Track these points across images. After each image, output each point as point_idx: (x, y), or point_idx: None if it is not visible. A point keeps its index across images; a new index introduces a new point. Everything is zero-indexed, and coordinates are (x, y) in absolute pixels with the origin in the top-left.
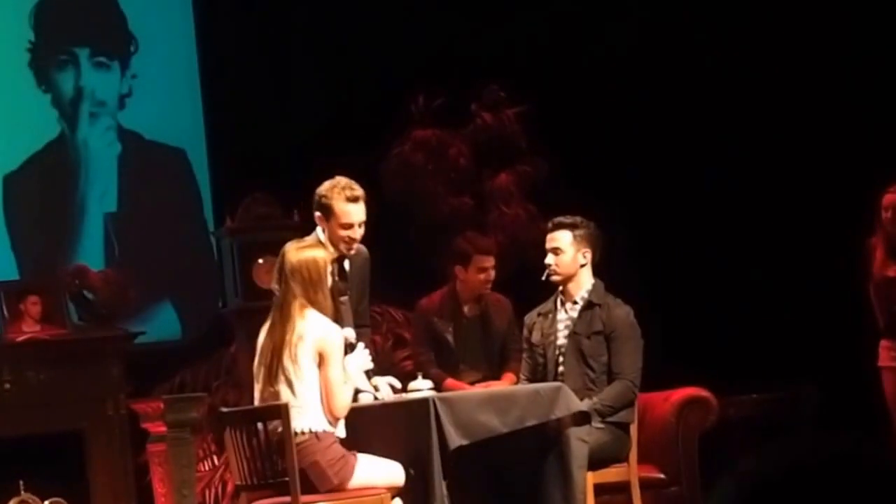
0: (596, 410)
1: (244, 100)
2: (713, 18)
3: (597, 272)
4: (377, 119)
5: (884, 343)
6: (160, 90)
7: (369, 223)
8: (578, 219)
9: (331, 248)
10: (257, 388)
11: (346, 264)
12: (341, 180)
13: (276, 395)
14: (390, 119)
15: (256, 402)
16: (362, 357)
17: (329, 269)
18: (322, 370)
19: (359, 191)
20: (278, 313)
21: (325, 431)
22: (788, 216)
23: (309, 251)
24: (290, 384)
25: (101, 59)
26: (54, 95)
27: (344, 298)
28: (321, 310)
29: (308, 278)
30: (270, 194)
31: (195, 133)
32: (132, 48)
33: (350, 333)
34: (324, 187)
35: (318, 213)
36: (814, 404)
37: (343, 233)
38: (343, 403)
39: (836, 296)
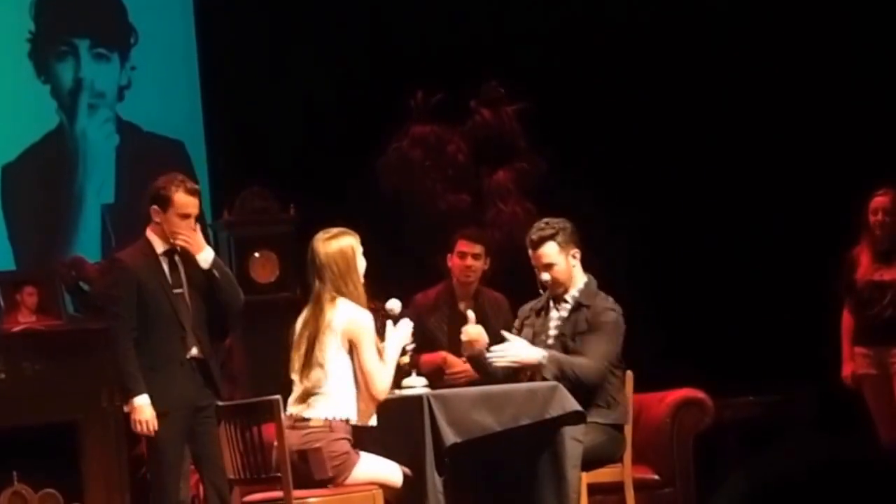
0: (560, 367)
1: (243, 93)
2: (712, 19)
3: (589, 269)
4: (376, 114)
5: (857, 350)
6: (159, 82)
7: (367, 217)
8: (555, 223)
9: (158, 244)
10: (295, 377)
11: (179, 262)
12: (178, 174)
13: (314, 383)
14: (389, 114)
15: (294, 394)
16: (405, 330)
17: (360, 251)
18: (355, 357)
19: (197, 185)
20: (312, 306)
21: (340, 421)
22: (786, 218)
23: (335, 242)
24: (323, 372)
25: (101, 50)
26: (53, 86)
27: (178, 291)
28: (353, 298)
29: (337, 272)
30: (267, 188)
31: (194, 125)
32: (132, 40)
33: (395, 305)
34: (160, 181)
35: (154, 206)
36: (810, 407)
37: (181, 222)
38: (382, 385)
39: (833, 298)
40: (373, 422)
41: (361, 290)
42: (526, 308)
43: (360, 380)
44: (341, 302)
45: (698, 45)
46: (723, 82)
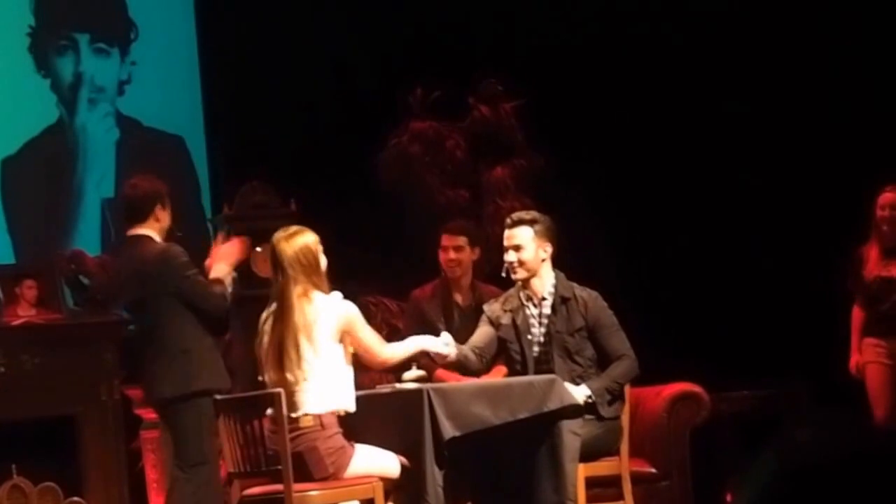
0: (607, 389)
1: (243, 88)
2: (713, 17)
3: (560, 265)
4: (375, 110)
5: (868, 341)
6: (159, 77)
7: (367, 212)
8: (537, 214)
9: (157, 235)
10: (268, 376)
11: None
12: None
13: (290, 381)
14: (388, 110)
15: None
16: (438, 344)
17: (321, 249)
18: (354, 341)
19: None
20: (281, 302)
21: (329, 415)
22: (782, 214)
23: (299, 238)
24: (303, 368)
25: (101, 45)
26: (53, 81)
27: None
28: (323, 291)
29: (308, 264)
30: (267, 182)
31: (194, 120)
32: (132, 35)
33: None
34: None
35: (157, 205)
36: (805, 401)
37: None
38: (387, 352)
39: (828, 293)
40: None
41: (326, 284)
42: (495, 307)
43: (365, 358)
44: (317, 296)
45: (699, 40)
46: (726, 77)
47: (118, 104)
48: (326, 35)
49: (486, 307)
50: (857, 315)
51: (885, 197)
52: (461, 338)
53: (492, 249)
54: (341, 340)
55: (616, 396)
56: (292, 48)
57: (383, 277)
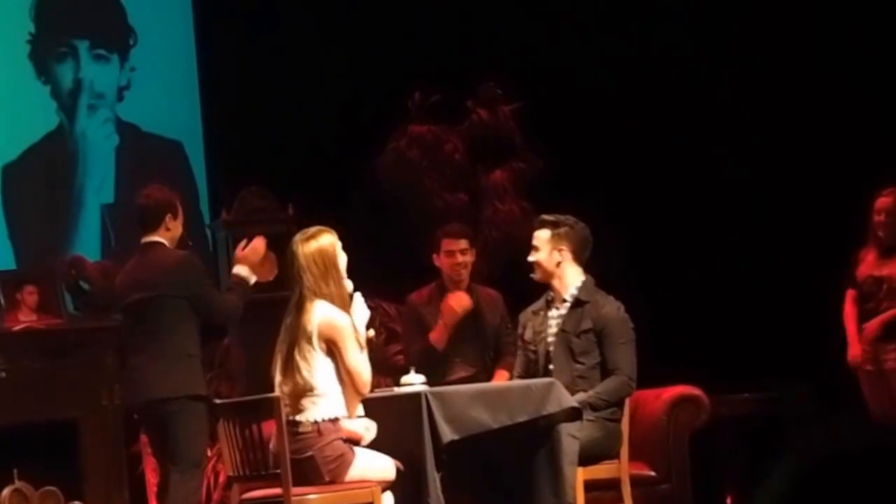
0: (589, 404)
1: (241, 93)
2: (710, 18)
3: (589, 270)
4: (373, 114)
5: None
6: (158, 83)
7: (365, 216)
8: (562, 217)
9: (168, 243)
10: (277, 380)
11: None
12: None
13: (293, 387)
14: (386, 114)
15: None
16: (361, 309)
17: (339, 246)
18: (338, 356)
19: None
20: (294, 308)
21: (330, 423)
22: (781, 216)
23: (314, 242)
24: (304, 376)
25: (101, 51)
26: (53, 87)
27: None
28: (330, 299)
29: (317, 272)
30: (266, 187)
31: (192, 126)
32: (131, 41)
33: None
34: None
35: (168, 215)
36: (804, 403)
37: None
38: (367, 378)
39: (827, 295)
40: (360, 412)
41: (343, 286)
42: (527, 312)
43: (345, 378)
44: (318, 304)
45: (698, 43)
46: (725, 77)
47: (117, 110)
48: (325, 40)
49: (521, 315)
50: (849, 308)
51: (881, 202)
52: (459, 340)
53: (489, 252)
54: (330, 351)
55: (599, 411)
56: (291, 53)
57: (381, 281)
